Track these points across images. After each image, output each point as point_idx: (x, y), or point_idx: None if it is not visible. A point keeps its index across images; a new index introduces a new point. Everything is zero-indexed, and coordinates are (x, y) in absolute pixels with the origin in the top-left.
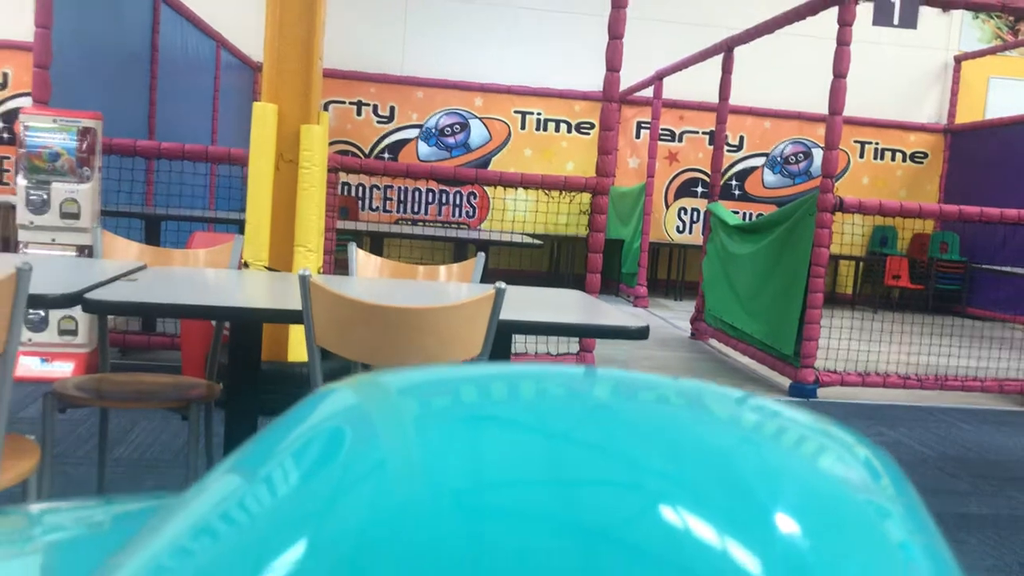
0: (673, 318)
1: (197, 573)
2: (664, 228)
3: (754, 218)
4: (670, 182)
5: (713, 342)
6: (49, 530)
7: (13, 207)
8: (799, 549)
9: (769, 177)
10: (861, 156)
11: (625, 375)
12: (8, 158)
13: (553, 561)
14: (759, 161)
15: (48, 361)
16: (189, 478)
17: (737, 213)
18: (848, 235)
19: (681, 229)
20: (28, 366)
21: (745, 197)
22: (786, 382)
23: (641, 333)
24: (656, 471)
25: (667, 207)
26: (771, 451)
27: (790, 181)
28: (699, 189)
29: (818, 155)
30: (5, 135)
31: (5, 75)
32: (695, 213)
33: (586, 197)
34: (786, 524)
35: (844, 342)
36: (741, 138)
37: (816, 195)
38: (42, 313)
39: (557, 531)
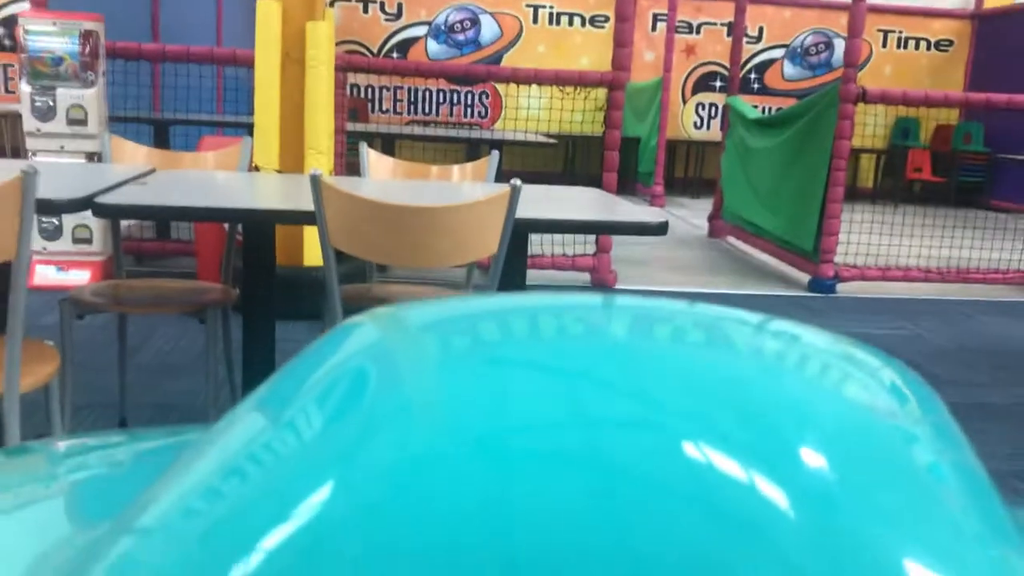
0: (691, 216)
1: (227, 514)
2: (681, 124)
3: (774, 112)
4: (687, 76)
5: (731, 240)
6: (73, 468)
7: (20, 115)
8: (824, 482)
9: (789, 69)
10: (884, 45)
11: (643, 304)
12: (12, 66)
13: (577, 502)
14: (779, 53)
15: (64, 269)
16: (209, 383)
17: (756, 107)
18: (870, 127)
19: (699, 125)
20: (44, 275)
21: (764, 90)
22: (805, 278)
23: (660, 228)
24: (677, 408)
25: (684, 103)
26: (793, 381)
27: (811, 73)
28: (717, 83)
29: (840, 45)
30: (7, 41)
31: None
32: (713, 108)
33: (602, 93)
34: (810, 457)
35: (865, 237)
36: (760, 29)
37: (838, 86)
38: (56, 221)
39: (580, 473)
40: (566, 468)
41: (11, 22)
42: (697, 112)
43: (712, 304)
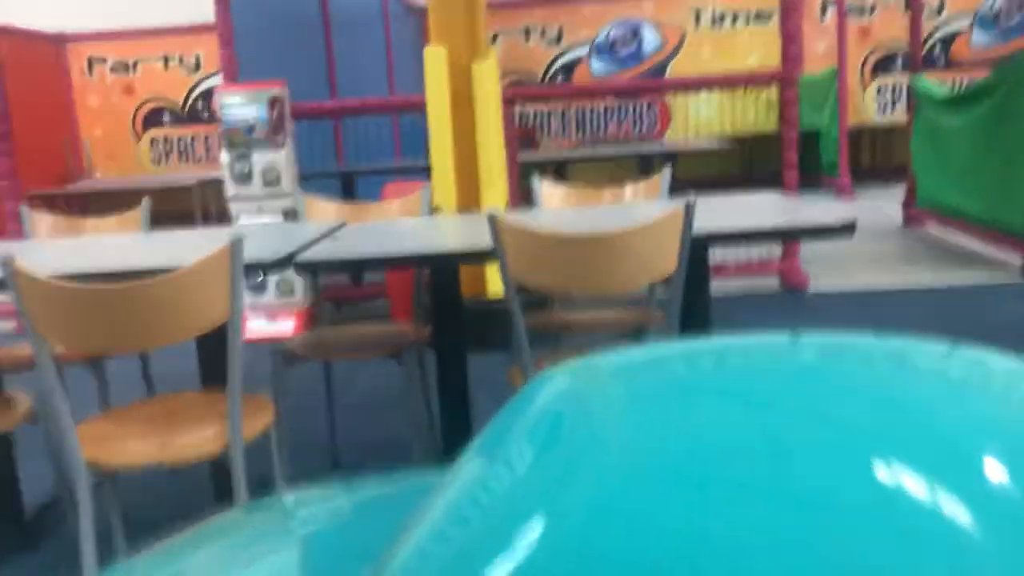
0: (883, 206)
1: (454, 553)
2: (863, 111)
3: (964, 86)
4: (864, 60)
5: (929, 227)
6: (303, 523)
7: (222, 181)
8: (1011, 499)
9: (978, 37)
10: None
11: (830, 340)
12: (211, 135)
13: (772, 526)
14: (965, 22)
15: (271, 320)
16: (410, 420)
17: (945, 83)
18: None
19: (882, 109)
20: (255, 327)
21: (951, 65)
22: (1018, 260)
23: (846, 229)
24: (864, 432)
25: (864, 88)
26: (978, 403)
27: (1003, 39)
28: (899, 63)
29: None
30: (205, 114)
31: (198, 57)
32: (896, 90)
33: (773, 91)
34: (996, 475)
35: None
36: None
37: None
38: (261, 276)
39: (772, 498)
40: (760, 495)
41: (208, 95)
42: (879, 96)
43: (897, 336)
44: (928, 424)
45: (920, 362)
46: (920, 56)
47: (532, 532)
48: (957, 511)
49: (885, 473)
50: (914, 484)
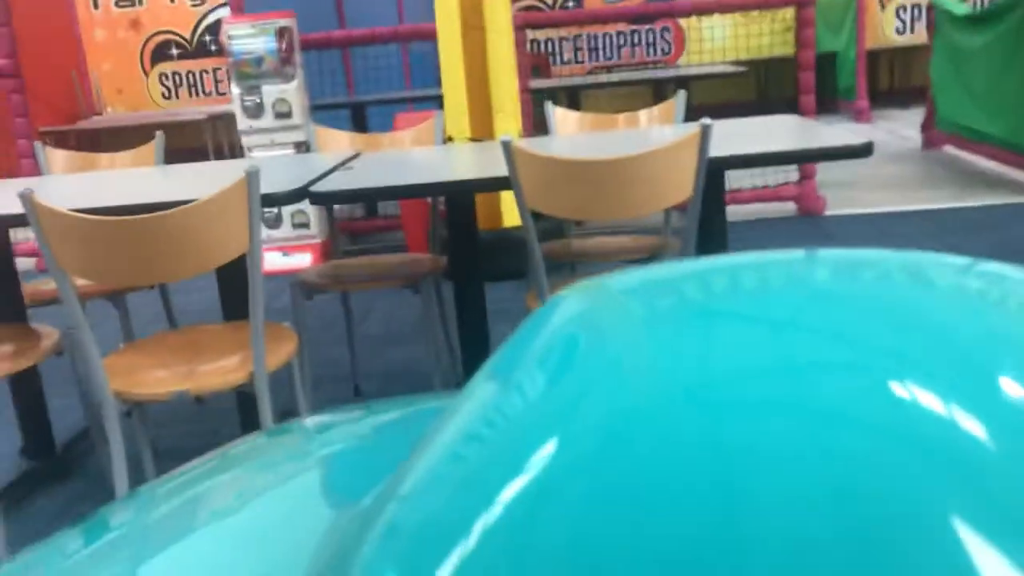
0: (901, 129)
1: (468, 474)
2: (882, 32)
3: (986, 4)
4: None
5: (948, 149)
6: (323, 444)
7: (233, 115)
8: None
9: None
10: None
11: (845, 255)
12: (220, 68)
13: (786, 445)
14: None
15: (288, 254)
16: (429, 348)
17: (965, 1)
18: None
19: (901, 30)
20: (271, 261)
21: None
22: None
23: (864, 150)
24: (880, 349)
25: (883, 8)
26: (996, 319)
27: None
28: None
29: None
30: (213, 47)
31: None
32: (916, 10)
33: (790, 12)
34: (1015, 390)
35: None
36: None
37: None
38: (276, 210)
39: (787, 417)
40: (777, 415)
41: (215, 27)
42: (898, 15)
43: (917, 251)
44: (947, 339)
45: (938, 276)
46: None
47: (545, 454)
48: (975, 427)
49: (903, 390)
50: (932, 401)
